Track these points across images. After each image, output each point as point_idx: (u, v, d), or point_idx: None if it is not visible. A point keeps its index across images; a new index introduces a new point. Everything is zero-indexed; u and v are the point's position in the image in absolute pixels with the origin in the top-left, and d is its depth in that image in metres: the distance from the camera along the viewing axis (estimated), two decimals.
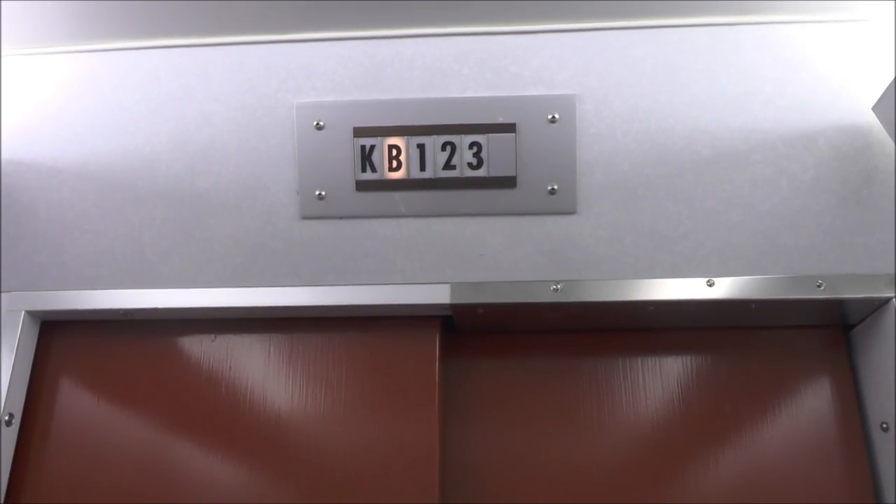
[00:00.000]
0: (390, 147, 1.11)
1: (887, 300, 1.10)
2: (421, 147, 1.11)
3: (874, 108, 1.08)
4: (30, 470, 1.15)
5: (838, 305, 1.12)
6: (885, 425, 1.10)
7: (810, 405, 1.17)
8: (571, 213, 1.12)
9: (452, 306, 1.12)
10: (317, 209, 1.13)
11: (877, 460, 1.12)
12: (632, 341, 1.21)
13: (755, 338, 1.21)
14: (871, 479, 1.12)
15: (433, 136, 1.11)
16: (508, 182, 1.11)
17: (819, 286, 1.09)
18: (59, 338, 1.21)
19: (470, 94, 1.11)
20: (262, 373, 1.17)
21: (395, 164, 1.12)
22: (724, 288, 1.10)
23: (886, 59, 1.09)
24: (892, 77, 1.04)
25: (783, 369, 1.19)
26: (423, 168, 1.11)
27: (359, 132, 1.11)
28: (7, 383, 1.13)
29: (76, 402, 1.18)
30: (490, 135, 1.11)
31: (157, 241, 1.14)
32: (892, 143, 1.09)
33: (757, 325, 1.20)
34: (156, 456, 1.14)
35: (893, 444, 1.09)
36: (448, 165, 1.11)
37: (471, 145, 1.11)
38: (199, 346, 1.19)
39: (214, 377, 1.17)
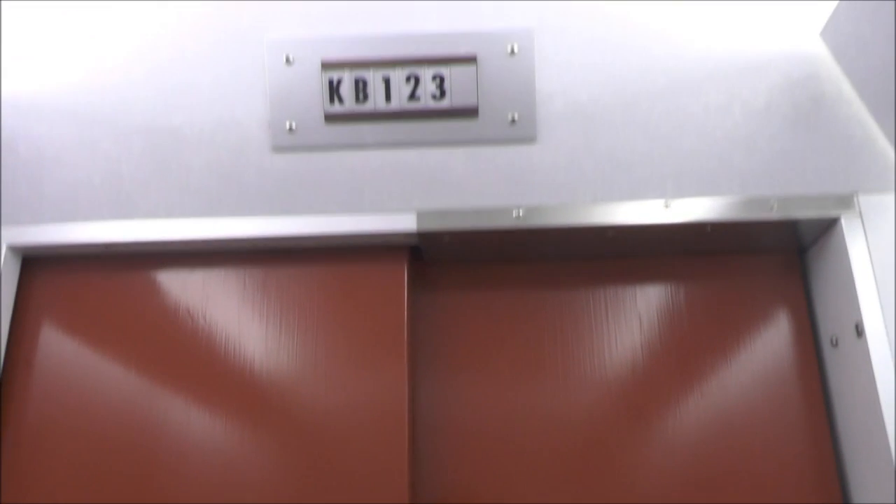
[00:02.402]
0: (357, 80, 1.16)
1: (836, 219, 1.14)
2: (386, 80, 1.16)
3: (821, 34, 1.12)
4: (13, 407, 1.18)
5: (791, 227, 1.17)
6: (834, 340, 1.15)
7: (766, 328, 1.21)
8: (532, 141, 1.16)
9: (419, 234, 1.16)
10: (287, 141, 1.17)
11: (827, 373, 1.18)
12: (594, 270, 1.26)
13: (713, 265, 1.25)
14: (822, 391, 1.17)
15: (398, 69, 1.15)
16: (470, 112, 1.15)
17: (772, 207, 1.14)
18: (40, 274, 1.25)
19: (433, 27, 1.15)
20: (238, 305, 1.22)
21: (361, 96, 1.16)
22: (680, 209, 1.14)
23: None
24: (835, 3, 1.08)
25: (741, 294, 1.23)
26: (388, 100, 1.16)
27: (327, 66, 1.15)
28: None
29: (57, 338, 1.22)
30: (452, 67, 1.15)
31: (135, 173, 1.18)
32: (839, 69, 1.13)
33: (714, 251, 1.25)
34: (135, 391, 1.18)
35: (842, 358, 1.14)
36: (412, 97, 1.16)
37: (434, 77, 1.15)
38: (177, 280, 1.24)
39: (192, 311, 1.22)
